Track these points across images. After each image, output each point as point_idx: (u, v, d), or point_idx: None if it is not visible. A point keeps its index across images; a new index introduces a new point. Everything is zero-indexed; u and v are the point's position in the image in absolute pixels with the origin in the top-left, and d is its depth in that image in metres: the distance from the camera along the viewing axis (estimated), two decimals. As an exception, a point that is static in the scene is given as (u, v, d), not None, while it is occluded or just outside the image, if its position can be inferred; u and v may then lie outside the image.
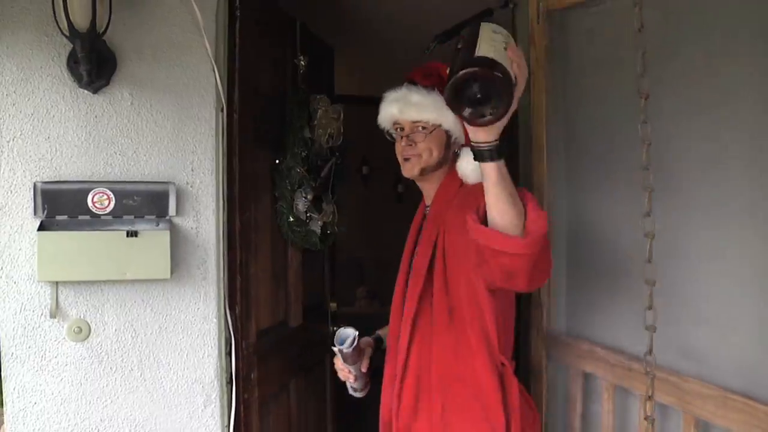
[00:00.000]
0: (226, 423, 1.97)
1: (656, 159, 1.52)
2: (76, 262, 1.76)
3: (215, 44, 1.93)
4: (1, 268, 1.79)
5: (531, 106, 2.10)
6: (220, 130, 1.97)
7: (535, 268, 1.41)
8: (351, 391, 1.99)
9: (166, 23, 1.89)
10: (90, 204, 1.82)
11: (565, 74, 2.02)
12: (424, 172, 1.80)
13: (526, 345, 2.15)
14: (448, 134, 1.79)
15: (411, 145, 1.78)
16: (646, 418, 1.44)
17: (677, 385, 1.55)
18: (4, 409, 1.82)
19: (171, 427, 1.92)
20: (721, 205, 1.50)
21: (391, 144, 1.90)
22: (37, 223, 1.76)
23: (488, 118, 1.24)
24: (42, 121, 1.80)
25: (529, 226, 1.39)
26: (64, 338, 1.82)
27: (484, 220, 1.44)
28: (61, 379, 1.83)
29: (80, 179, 1.83)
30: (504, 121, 1.29)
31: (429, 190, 1.86)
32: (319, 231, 2.38)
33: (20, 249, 1.79)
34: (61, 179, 1.81)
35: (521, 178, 2.20)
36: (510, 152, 2.25)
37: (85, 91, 1.82)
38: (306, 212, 2.32)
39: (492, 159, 1.31)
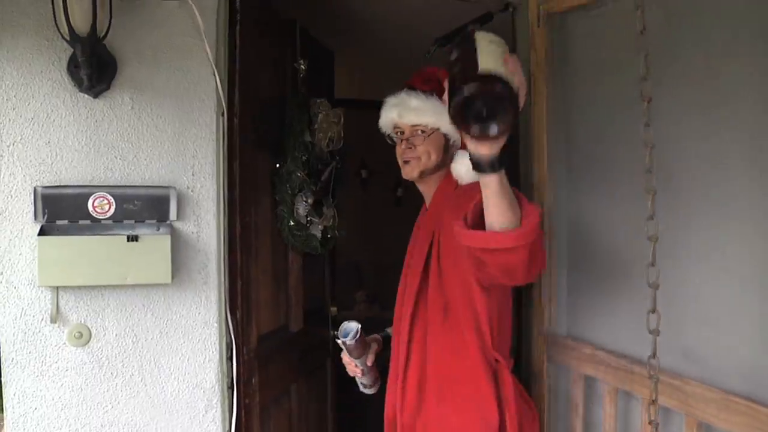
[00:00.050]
0: (227, 428, 1.97)
1: (656, 160, 1.51)
2: (77, 267, 1.75)
3: (215, 48, 1.93)
4: (2, 273, 1.78)
5: (531, 109, 2.10)
6: (221, 134, 1.97)
7: (533, 259, 1.43)
8: (361, 388, 2.06)
9: (166, 27, 1.89)
10: (90, 208, 1.81)
11: (565, 77, 2.02)
12: (423, 174, 1.86)
13: (527, 348, 2.14)
14: (446, 137, 1.85)
15: (411, 148, 1.85)
16: (650, 422, 1.44)
17: (679, 388, 1.55)
18: (5, 414, 1.81)
19: (172, 432, 1.92)
20: (722, 207, 1.50)
21: (390, 147, 1.96)
22: (38, 228, 1.76)
23: (495, 134, 1.23)
24: (42, 125, 1.80)
25: (523, 219, 1.41)
26: (65, 343, 1.82)
27: (477, 224, 1.46)
28: (62, 385, 1.82)
29: (81, 184, 1.82)
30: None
31: (428, 192, 1.93)
32: (319, 235, 2.38)
33: (20, 254, 1.78)
34: (62, 184, 1.81)
35: (521, 181, 2.20)
36: (510, 156, 2.26)
37: (86, 96, 1.82)
38: (306, 216, 2.32)
39: (493, 171, 1.31)
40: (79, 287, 1.81)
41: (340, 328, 1.92)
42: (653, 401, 1.43)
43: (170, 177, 1.90)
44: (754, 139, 1.43)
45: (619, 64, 1.76)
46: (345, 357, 1.99)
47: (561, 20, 2.02)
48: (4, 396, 1.80)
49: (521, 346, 2.18)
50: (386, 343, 2.04)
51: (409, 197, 2.19)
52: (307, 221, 2.33)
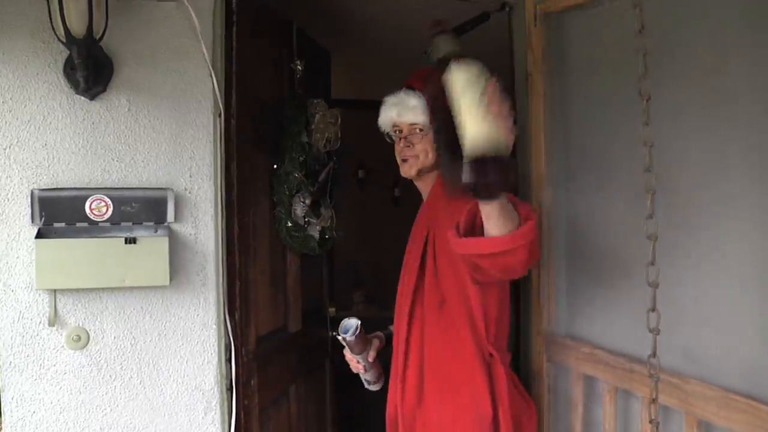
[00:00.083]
0: (226, 430, 1.96)
1: (655, 159, 1.51)
2: (75, 270, 1.75)
3: (212, 49, 1.93)
4: (-1, 277, 1.78)
5: (528, 109, 2.10)
6: (218, 136, 1.96)
7: (531, 256, 1.48)
8: (366, 385, 2.10)
9: (162, 28, 1.88)
10: (88, 211, 1.81)
11: (562, 76, 2.02)
12: (420, 172, 1.91)
13: (526, 347, 2.14)
14: None
15: (409, 146, 1.89)
16: (650, 421, 1.44)
17: (679, 387, 1.55)
18: (3, 418, 1.81)
19: (171, 434, 1.91)
20: (722, 205, 1.50)
21: (387, 147, 2.00)
22: (35, 231, 1.75)
23: (496, 191, 1.26)
24: (39, 128, 1.79)
25: (521, 219, 1.45)
26: (63, 346, 1.81)
27: (470, 228, 1.48)
28: (60, 388, 1.82)
29: (78, 186, 1.82)
30: None
31: (425, 189, 1.98)
32: (317, 236, 2.38)
33: (18, 257, 1.78)
34: (59, 186, 1.80)
35: (519, 180, 2.20)
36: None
37: (82, 98, 1.81)
38: (304, 217, 2.31)
39: (494, 199, 1.32)
40: (77, 290, 1.81)
41: (340, 325, 1.96)
42: (653, 400, 1.43)
43: (167, 179, 1.89)
44: (754, 137, 1.43)
45: (617, 63, 1.76)
46: (347, 354, 2.03)
47: (558, 19, 2.02)
48: (2, 400, 1.80)
49: (520, 346, 2.18)
50: (389, 341, 2.07)
51: (407, 197, 2.20)
52: (305, 222, 2.32)
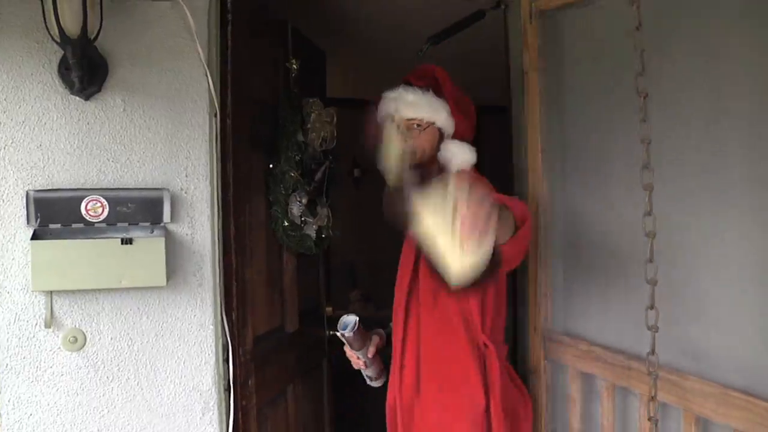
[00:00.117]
0: (224, 430, 1.96)
1: (651, 154, 1.51)
2: (71, 271, 1.74)
3: (207, 48, 1.92)
4: (-6, 279, 1.77)
5: (524, 107, 2.10)
6: (214, 135, 1.95)
7: (528, 250, 1.61)
8: (368, 381, 2.14)
9: (157, 28, 1.87)
10: (83, 212, 1.80)
11: (557, 74, 2.02)
12: None
13: (524, 345, 2.15)
14: (440, 131, 1.94)
15: (407, 141, 1.91)
16: (649, 419, 1.44)
17: (677, 383, 1.56)
18: (0, 420, 1.80)
19: (169, 435, 1.90)
20: (719, 200, 1.51)
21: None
22: (30, 232, 1.74)
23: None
24: (34, 128, 1.78)
25: (519, 221, 1.51)
26: (60, 348, 1.80)
27: None
28: (57, 390, 1.81)
29: (73, 187, 1.80)
30: None
31: None
32: (314, 235, 2.37)
33: (13, 258, 1.76)
34: (54, 187, 1.79)
35: (515, 178, 2.20)
36: (503, 153, 2.27)
37: (77, 98, 1.80)
38: (301, 216, 2.31)
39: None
40: (74, 291, 1.80)
41: (339, 322, 2.00)
42: (652, 398, 1.43)
43: (163, 179, 1.89)
44: (753, 130, 1.43)
45: (613, 61, 1.76)
46: (347, 350, 2.07)
47: (553, 17, 2.02)
48: (-2, 402, 1.79)
49: (518, 343, 2.19)
50: (390, 339, 2.09)
51: (403, 195, 2.19)
52: (302, 221, 2.32)
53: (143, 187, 1.86)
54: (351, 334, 1.97)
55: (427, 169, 1.39)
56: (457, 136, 1.94)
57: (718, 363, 1.50)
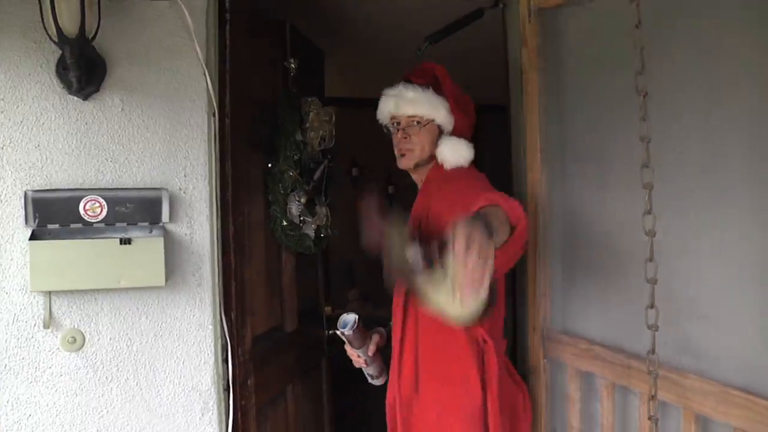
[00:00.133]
0: (223, 430, 1.95)
1: (651, 152, 1.51)
2: (69, 271, 1.73)
3: (205, 48, 1.92)
4: (-7, 279, 1.76)
5: (523, 105, 2.10)
6: (212, 135, 1.95)
7: (524, 249, 1.59)
8: (369, 379, 2.15)
9: (155, 27, 1.87)
10: (82, 212, 1.79)
11: (556, 72, 2.02)
12: (417, 165, 1.98)
13: (523, 344, 2.14)
14: (440, 128, 1.96)
15: (406, 137, 1.95)
16: (649, 418, 1.44)
17: (677, 382, 1.55)
18: (-2, 421, 1.79)
19: (168, 435, 1.90)
20: (719, 200, 1.50)
21: (381, 145, 2.09)
22: (29, 232, 1.74)
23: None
24: (32, 128, 1.77)
25: (514, 221, 1.51)
26: (59, 348, 1.80)
27: None
28: (56, 390, 1.80)
29: (72, 187, 1.80)
30: None
31: (420, 179, 2.05)
32: (312, 234, 2.37)
33: (12, 259, 1.76)
34: (53, 187, 1.79)
35: (514, 178, 2.20)
36: (502, 152, 2.27)
37: (75, 98, 1.80)
38: (299, 216, 2.31)
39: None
40: (72, 292, 1.79)
41: (339, 320, 2.01)
42: (652, 397, 1.43)
43: (162, 179, 1.88)
44: (753, 129, 1.43)
45: (612, 59, 1.76)
46: (348, 349, 2.07)
47: (552, 15, 2.02)
48: (-3, 403, 1.79)
49: (517, 343, 2.19)
50: (390, 338, 2.09)
51: (401, 195, 2.20)
52: (300, 221, 2.32)
53: (142, 186, 1.86)
54: (351, 332, 1.98)
55: (429, 247, 1.39)
56: (456, 133, 1.95)
57: (717, 361, 1.50)
